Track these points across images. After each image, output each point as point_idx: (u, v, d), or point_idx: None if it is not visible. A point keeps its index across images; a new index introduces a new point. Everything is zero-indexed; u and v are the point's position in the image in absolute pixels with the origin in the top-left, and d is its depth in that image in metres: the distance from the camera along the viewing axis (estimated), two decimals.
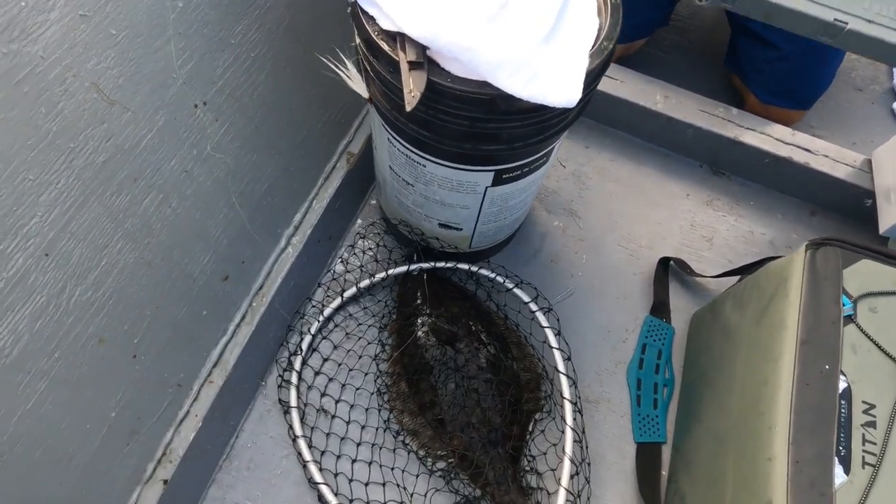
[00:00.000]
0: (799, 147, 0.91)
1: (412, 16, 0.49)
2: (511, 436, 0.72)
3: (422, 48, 0.50)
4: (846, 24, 0.62)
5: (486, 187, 0.65)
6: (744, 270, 0.80)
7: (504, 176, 0.64)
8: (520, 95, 0.50)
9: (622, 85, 0.94)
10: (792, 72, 0.93)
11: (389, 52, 0.51)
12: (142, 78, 0.51)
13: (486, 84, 0.50)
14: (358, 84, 0.62)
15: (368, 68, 0.57)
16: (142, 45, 0.50)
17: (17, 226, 0.45)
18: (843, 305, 0.58)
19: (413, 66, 0.50)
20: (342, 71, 0.62)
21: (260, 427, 0.75)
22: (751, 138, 0.92)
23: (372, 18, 0.53)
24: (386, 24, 0.51)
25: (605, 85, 0.95)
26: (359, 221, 0.90)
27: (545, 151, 0.64)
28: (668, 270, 0.89)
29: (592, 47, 0.53)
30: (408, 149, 0.63)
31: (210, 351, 0.70)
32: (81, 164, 0.48)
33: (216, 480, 0.73)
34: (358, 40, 0.57)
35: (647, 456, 0.76)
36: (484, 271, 0.80)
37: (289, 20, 0.65)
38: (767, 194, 0.96)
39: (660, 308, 0.86)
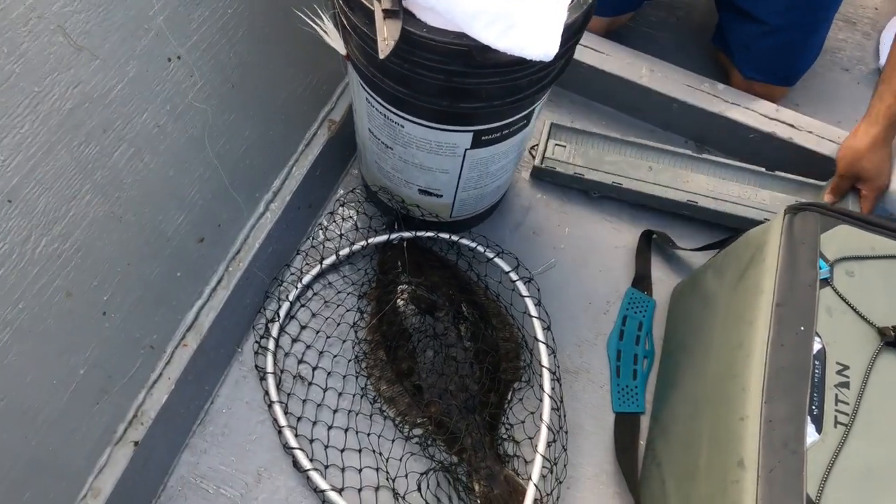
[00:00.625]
0: (783, 123, 0.91)
1: None
2: (489, 403, 0.72)
3: None
4: (696, 202, 0.88)
5: (466, 149, 0.65)
6: (725, 243, 0.80)
7: (483, 137, 0.63)
8: (496, 46, 0.49)
9: (608, 58, 0.94)
10: (777, 47, 0.92)
11: (365, 3, 0.50)
12: (112, 25, 0.50)
13: (462, 35, 0.49)
14: (335, 40, 0.61)
15: (345, 22, 0.56)
16: None
17: None
18: (820, 269, 0.58)
19: (388, 14, 0.49)
20: (319, 26, 0.61)
21: (235, 392, 0.75)
22: (735, 113, 0.92)
23: None
24: None
25: (590, 58, 0.94)
26: (340, 191, 0.89)
27: (525, 113, 0.63)
28: (651, 244, 0.88)
29: (572, 1, 0.52)
30: (386, 108, 0.62)
31: (184, 313, 0.69)
32: (47, 110, 0.47)
33: (190, 445, 0.72)
34: None
35: (625, 426, 0.76)
36: (464, 241, 0.80)
37: None
38: (752, 170, 0.95)
39: (641, 281, 0.85)
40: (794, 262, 0.58)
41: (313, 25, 0.61)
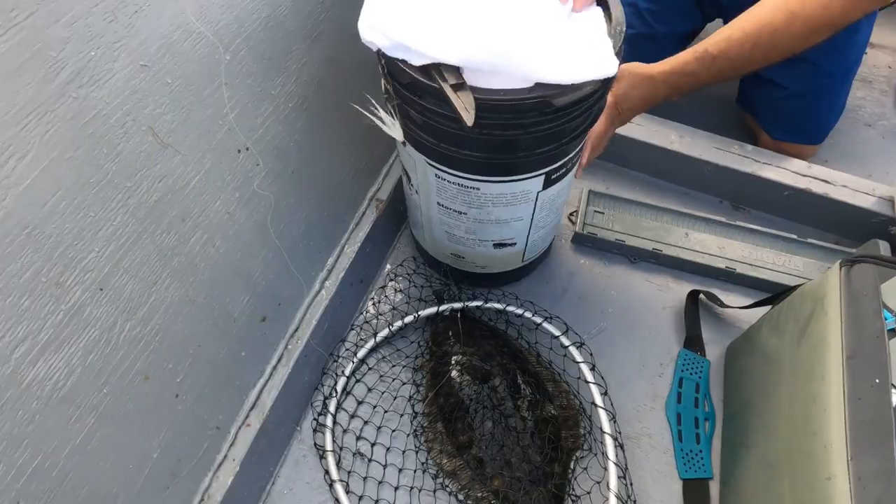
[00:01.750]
0: (817, 178, 0.93)
1: (443, 44, 0.53)
2: (552, 474, 0.70)
3: (457, 70, 0.53)
4: (735, 269, 0.90)
5: (538, 192, 0.68)
6: (775, 299, 0.80)
7: (553, 177, 0.67)
8: (567, 81, 0.52)
9: (638, 127, 0.98)
10: (800, 109, 0.96)
11: (432, 84, 0.54)
12: (192, 123, 0.55)
13: (533, 88, 0.53)
14: (393, 128, 0.64)
15: (410, 108, 0.60)
16: (193, 94, 0.54)
17: (77, 259, 0.46)
18: (886, 319, 0.58)
19: (456, 87, 0.53)
20: (378, 119, 0.65)
21: (296, 473, 0.74)
22: (768, 172, 0.94)
23: (402, 61, 0.56)
24: (418, 61, 0.54)
25: (621, 128, 0.98)
26: (388, 265, 0.92)
27: (582, 142, 0.67)
28: (698, 304, 0.88)
29: (608, 31, 0.57)
30: (459, 177, 0.65)
31: (248, 393, 0.70)
32: (136, 203, 0.51)
33: None
34: (391, 86, 0.60)
35: (694, 493, 0.73)
36: (511, 308, 0.81)
37: (322, 75, 0.70)
38: (789, 226, 0.97)
39: (693, 341, 0.85)
40: (859, 313, 0.58)
41: (372, 118, 0.65)
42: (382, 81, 0.63)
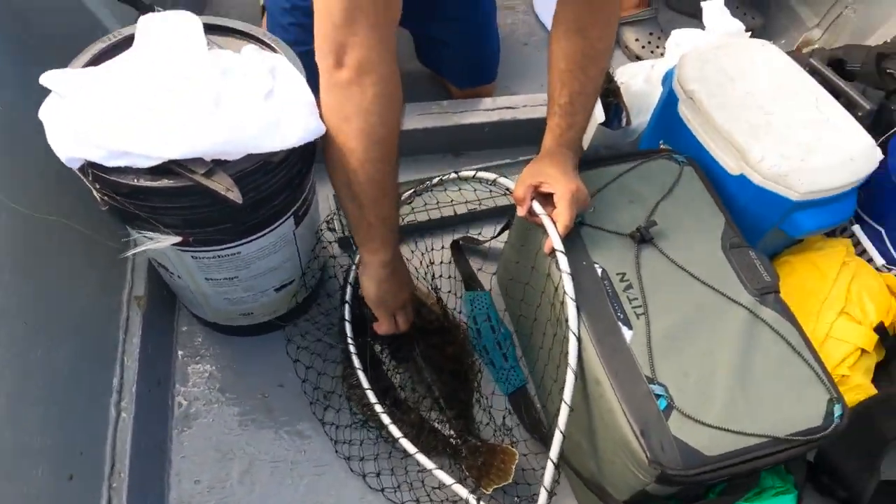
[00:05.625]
0: (502, 108, 1.10)
1: (166, 143, 0.55)
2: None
3: (199, 159, 0.56)
4: (476, 208, 1.06)
5: (294, 231, 0.74)
6: (511, 222, 0.95)
7: (300, 212, 0.73)
8: (288, 147, 0.59)
9: None
10: (465, 59, 1.11)
11: (183, 183, 0.56)
12: None
13: (248, 157, 0.59)
14: (166, 240, 0.63)
15: (140, 212, 0.60)
16: None
17: None
18: None
19: (208, 174, 0.56)
20: (149, 244, 0.64)
21: None
22: (465, 118, 1.09)
23: (120, 171, 0.56)
24: (146, 164, 0.56)
25: None
26: (180, 353, 0.90)
27: (311, 176, 0.74)
28: (462, 249, 1.01)
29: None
30: (217, 250, 0.68)
31: None
32: None
33: None
34: (111, 197, 0.59)
35: (518, 400, 0.87)
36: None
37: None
38: (503, 154, 1.13)
39: (470, 282, 0.98)
40: None
41: (142, 248, 0.65)
42: (97, 195, 0.61)
